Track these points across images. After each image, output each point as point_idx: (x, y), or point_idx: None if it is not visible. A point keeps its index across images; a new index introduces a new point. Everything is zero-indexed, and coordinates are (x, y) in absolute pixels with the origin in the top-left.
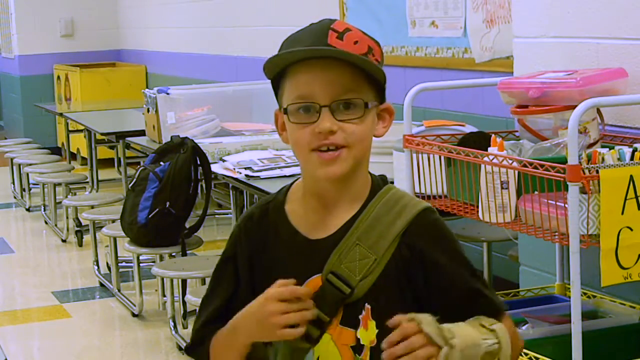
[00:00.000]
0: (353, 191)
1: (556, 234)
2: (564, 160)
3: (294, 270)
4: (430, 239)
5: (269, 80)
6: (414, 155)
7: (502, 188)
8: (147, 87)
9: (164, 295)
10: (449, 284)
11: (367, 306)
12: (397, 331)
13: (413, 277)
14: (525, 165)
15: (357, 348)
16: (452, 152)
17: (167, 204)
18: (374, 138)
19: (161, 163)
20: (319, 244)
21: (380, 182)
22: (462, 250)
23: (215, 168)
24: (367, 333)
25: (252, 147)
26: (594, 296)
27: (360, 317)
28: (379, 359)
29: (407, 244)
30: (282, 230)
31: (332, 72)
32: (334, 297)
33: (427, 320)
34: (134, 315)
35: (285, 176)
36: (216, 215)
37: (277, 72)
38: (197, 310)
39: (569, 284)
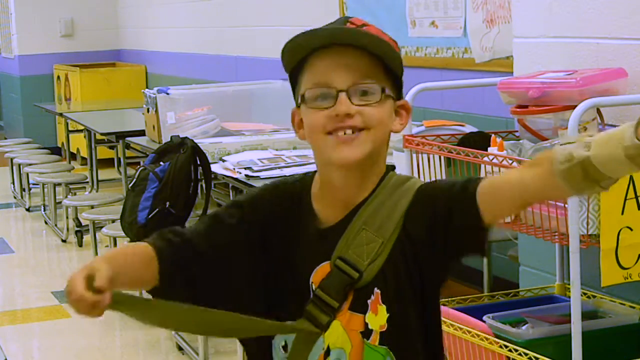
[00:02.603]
0: (368, 184)
1: (556, 234)
2: None
3: (305, 258)
4: (424, 199)
5: (270, 80)
6: (414, 155)
7: None
8: (147, 87)
9: None
10: (443, 203)
11: (377, 291)
12: None
13: (419, 254)
14: None
15: (366, 333)
16: (452, 152)
17: (167, 204)
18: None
19: (161, 163)
20: (328, 231)
21: (388, 169)
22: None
23: (215, 168)
24: (377, 318)
25: (252, 147)
26: (594, 296)
27: (369, 301)
28: (389, 343)
29: (410, 221)
30: (303, 216)
31: (350, 59)
32: (342, 282)
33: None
34: None
35: (285, 176)
36: None
37: (296, 63)
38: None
39: (569, 284)
